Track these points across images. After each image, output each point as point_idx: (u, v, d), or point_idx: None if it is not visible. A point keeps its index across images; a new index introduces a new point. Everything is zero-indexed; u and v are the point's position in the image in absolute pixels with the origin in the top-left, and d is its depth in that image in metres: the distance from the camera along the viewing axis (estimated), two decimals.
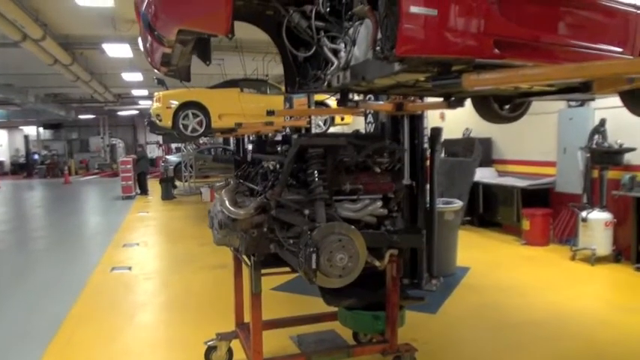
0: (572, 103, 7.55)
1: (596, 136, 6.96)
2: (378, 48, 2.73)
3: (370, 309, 3.54)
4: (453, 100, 4.76)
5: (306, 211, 2.79)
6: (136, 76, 16.75)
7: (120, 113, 32.67)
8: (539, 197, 8.06)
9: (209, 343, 3.89)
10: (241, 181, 3.62)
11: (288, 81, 3.95)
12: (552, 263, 6.89)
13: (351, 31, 3.03)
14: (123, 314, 5.28)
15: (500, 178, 8.98)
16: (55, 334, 4.66)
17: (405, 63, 2.94)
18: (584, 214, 6.81)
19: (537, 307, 5.08)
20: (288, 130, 9.40)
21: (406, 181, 5.59)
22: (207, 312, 5.18)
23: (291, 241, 2.78)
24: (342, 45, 3.10)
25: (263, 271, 3.10)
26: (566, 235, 7.62)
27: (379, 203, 3.09)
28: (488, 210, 8.93)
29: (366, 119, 6.02)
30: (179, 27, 2.71)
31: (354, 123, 12.62)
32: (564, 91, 4.07)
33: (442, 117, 10.09)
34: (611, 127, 6.80)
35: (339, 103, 4.35)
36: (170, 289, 6.37)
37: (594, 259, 6.64)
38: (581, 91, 3.78)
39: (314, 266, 2.53)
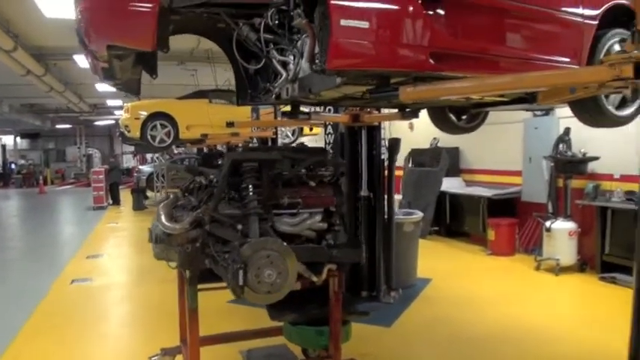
0: (538, 113, 7.60)
1: (561, 145, 7.01)
2: (317, 61, 2.70)
3: (315, 324, 3.47)
4: (408, 112, 4.78)
5: (239, 226, 2.72)
6: (110, 87, 16.49)
7: (96, 123, 32.26)
8: (506, 207, 8.08)
9: (153, 359, 3.81)
10: (186, 194, 3.54)
11: (239, 93, 3.90)
12: (516, 274, 6.89)
13: (299, 43, 2.99)
14: (75, 328, 5.12)
15: (467, 187, 9.00)
16: (6, 348, 4.53)
17: (343, 76, 2.92)
18: (548, 223, 6.84)
19: (495, 320, 5.03)
20: (255, 140, 9.36)
21: (364, 192, 5.61)
22: (164, 325, 5.03)
23: (225, 257, 2.72)
24: (291, 57, 3.06)
25: (200, 286, 3.04)
26: (531, 244, 7.64)
27: (318, 217, 3.02)
28: (455, 220, 8.94)
29: (325, 130, 6.00)
30: (107, 43, 2.65)
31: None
32: (516, 101, 4.09)
33: (411, 127, 10.12)
34: (576, 136, 6.84)
35: (290, 115, 4.33)
36: (130, 301, 6.21)
37: (558, 269, 6.64)
38: (528, 101, 3.81)
39: (241, 282, 2.47)
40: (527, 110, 6.15)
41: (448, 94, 2.78)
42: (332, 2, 2.46)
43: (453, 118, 5.06)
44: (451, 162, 9.34)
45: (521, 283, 6.47)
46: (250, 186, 2.81)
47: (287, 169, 2.98)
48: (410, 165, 10.01)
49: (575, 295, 6.19)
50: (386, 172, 5.57)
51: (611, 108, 3.58)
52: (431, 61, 2.70)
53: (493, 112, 7.71)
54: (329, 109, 5.84)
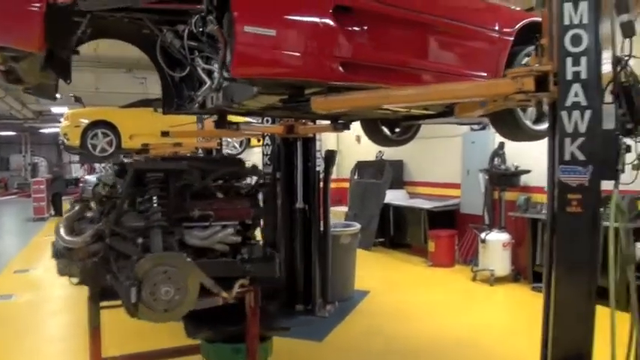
0: (475, 127, 7.79)
1: (496, 159, 7.21)
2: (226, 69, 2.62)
3: (233, 341, 3.34)
4: (340, 123, 4.76)
5: (139, 240, 2.59)
6: None
7: (43, 131, 30.94)
8: (446, 218, 8.22)
9: None
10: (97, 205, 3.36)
11: (165, 101, 3.77)
12: (454, 285, 6.98)
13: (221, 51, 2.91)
14: None
15: (410, 199, 9.10)
16: None
17: (253, 84, 2.85)
18: (483, 235, 6.98)
19: (427, 332, 5.04)
20: (200, 151, 9.16)
21: (299, 204, 5.54)
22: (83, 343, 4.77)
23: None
24: (216, 65, 2.97)
25: (104, 303, 2.88)
26: (470, 255, 7.77)
27: (230, 230, 2.92)
28: (399, 231, 9.01)
29: (263, 142, 5.92)
30: None
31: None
32: (443, 114, 4.14)
33: (358, 140, 10.16)
34: (510, 150, 7.04)
35: (217, 125, 4.23)
36: (52, 318, 5.88)
37: (493, 280, 6.78)
38: (446, 115, 3.85)
39: (133, 300, 2.33)
40: (458, 124, 6.26)
41: (357, 104, 2.76)
42: (236, 9, 2.40)
43: (386, 130, 5.10)
44: (395, 174, 9.44)
45: (458, 294, 6.55)
46: (154, 197, 2.68)
47: (196, 180, 2.86)
48: (356, 177, 10.04)
49: (507, 305, 6.31)
50: (321, 184, 5.54)
51: (528, 122, 3.67)
52: (342, 71, 2.69)
53: (434, 126, 7.87)
54: (267, 120, 5.76)
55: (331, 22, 2.63)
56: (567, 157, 2.31)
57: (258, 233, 3.43)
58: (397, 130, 5.23)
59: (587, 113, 2.28)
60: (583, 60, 2.28)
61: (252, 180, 3.24)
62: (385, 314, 5.65)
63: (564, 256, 2.37)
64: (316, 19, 2.61)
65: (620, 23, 2.32)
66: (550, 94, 2.39)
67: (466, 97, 2.65)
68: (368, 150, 9.84)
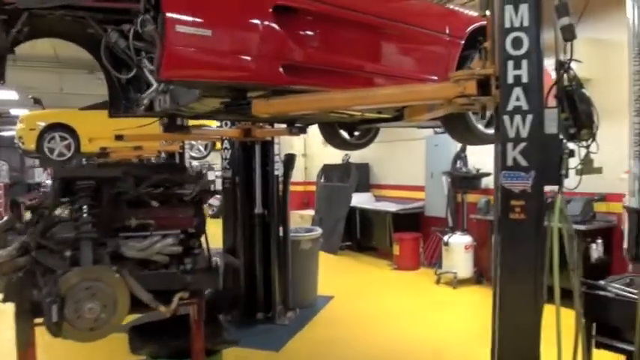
0: (438, 130, 7.79)
1: (458, 162, 7.23)
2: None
3: (179, 356, 3.20)
4: (296, 127, 4.66)
5: (68, 253, 2.43)
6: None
7: (3, 134, 29.92)
8: (411, 221, 8.21)
9: None
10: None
11: (112, 103, 3.62)
12: (417, 288, 6.95)
13: None
14: None
15: (376, 202, 9.07)
16: None
17: (196, 87, 2.73)
18: (446, 237, 6.98)
19: (387, 338, 4.97)
20: (163, 154, 8.93)
21: (258, 209, 5.42)
22: None
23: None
24: None
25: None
26: (434, 258, 7.77)
27: (169, 240, 2.77)
28: (365, 235, 8.96)
29: (222, 145, 5.77)
30: None
31: None
32: (397, 118, 4.08)
33: (325, 143, 10.07)
34: (472, 153, 7.07)
35: (165, 128, 4.08)
36: None
37: (456, 282, 6.78)
38: (400, 118, 3.80)
39: (54, 319, 2.17)
40: (417, 127, 6.25)
41: (299, 108, 2.66)
42: (167, 8, 2.28)
43: (345, 134, 5.03)
44: (362, 177, 9.40)
45: (421, 297, 6.52)
46: (84, 207, 2.52)
47: (131, 187, 2.71)
48: (322, 181, 9.96)
49: (469, 308, 6.29)
50: (281, 188, 5.43)
51: (480, 126, 3.65)
52: (284, 74, 2.59)
53: (399, 129, 7.84)
54: (225, 123, 5.62)
55: (271, 23, 2.53)
56: (510, 162, 2.26)
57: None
58: (356, 133, 5.18)
59: (529, 118, 2.24)
60: (524, 63, 2.24)
61: (196, 186, 3.09)
62: (347, 320, 5.57)
63: (508, 264, 2.32)
64: (255, 20, 2.51)
65: (560, 27, 2.29)
66: (492, 98, 2.35)
67: (408, 101, 2.58)
68: (335, 153, 9.78)
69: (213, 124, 6.64)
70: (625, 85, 5.57)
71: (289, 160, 5.41)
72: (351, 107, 2.83)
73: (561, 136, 2.35)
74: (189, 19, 2.31)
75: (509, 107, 2.25)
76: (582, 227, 5.39)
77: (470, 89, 2.35)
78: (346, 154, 9.65)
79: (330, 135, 4.90)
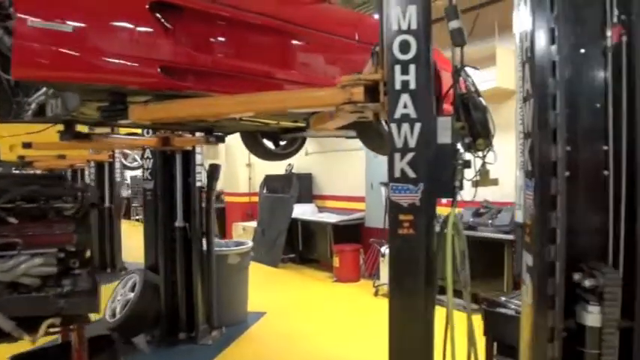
0: None
1: None
2: None
3: None
4: (214, 136, 4.44)
5: None
6: None
7: None
8: (352, 233, 8.07)
9: None
10: None
11: (1, 107, 3.29)
12: (355, 301, 6.79)
13: None
14: None
15: (318, 213, 8.90)
16: None
17: (62, 89, 2.48)
18: (383, 248, 6.87)
19: (317, 355, 4.78)
20: (92, 163, 8.48)
21: (179, 223, 5.14)
22: None
23: None
24: None
25: None
26: (374, 270, 7.65)
27: (37, 260, 2.50)
28: (307, 247, 8.77)
29: (143, 155, 5.47)
30: None
31: None
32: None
33: None
34: None
35: (62, 136, 3.77)
36: None
37: None
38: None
39: None
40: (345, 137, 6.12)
41: (179, 114, 2.44)
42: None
43: (269, 144, 4.83)
44: (305, 188, 9.22)
45: (357, 310, 6.35)
46: None
47: None
48: (265, 191, 9.72)
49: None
50: (204, 200, 5.17)
51: None
52: (162, 76, 2.37)
53: (341, 139, 7.70)
54: (148, 132, 5.32)
55: (147, 20, 2.31)
56: (397, 174, 2.11)
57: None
58: (282, 143, 4.99)
59: (417, 126, 2.10)
60: (412, 68, 2.10)
61: (81, 200, 2.82)
62: (277, 337, 5.34)
63: (397, 280, 2.17)
64: (127, 16, 2.29)
65: (450, 30, 2.17)
66: (381, 105, 2.21)
67: (293, 108, 2.41)
68: (278, 163, 9.56)
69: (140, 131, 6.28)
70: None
71: (213, 171, 5.16)
72: (236, 113, 2.63)
73: (459, 146, 2.25)
74: (44, 11, 2.06)
75: (397, 115, 2.11)
76: (511, 237, 5.36)
77: (357, 95, 2.20)
78: (289, 164, 9.46)
79: (252, 144, 4.70)
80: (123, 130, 5.47)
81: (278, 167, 9.56)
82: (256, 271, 8.47)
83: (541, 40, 1.77)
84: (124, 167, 8.98)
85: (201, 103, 2.32)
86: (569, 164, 1.76)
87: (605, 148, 1.77)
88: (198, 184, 5.05)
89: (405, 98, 2.10)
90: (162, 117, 2.49)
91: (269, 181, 9.68)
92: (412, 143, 2.09)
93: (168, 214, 5.06)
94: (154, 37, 2.35)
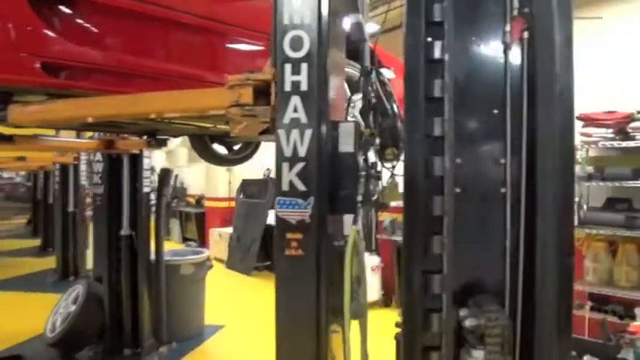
0: None
1: None
2: None
3: None
4: (156, 139, 4.21)
5: None
6: None
7: None
8: None
9: None
10: None
11: None
12: None
13: None
14: None
15: None
16: None
17: None
18: None
19: None
20: (57, 166, 8.25)
21: (125, 231, 4.89)
22: None
23: None
24: None
25: None
26: None
27: None
28: None
29: (94, 157, 5.23)
30: None
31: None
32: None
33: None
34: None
35: None
36: None
37: None
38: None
39: None
40: None
41: (58, 116, 2.20)
42: None
43: (219, 148, 4.60)
44: None
45: None
46: None
47: None
48: (241, 197, 9.48)
49: (375, 333, 5.90)
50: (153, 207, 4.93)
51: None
52: (44, 73, 2.13)
53: None
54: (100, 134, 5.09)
55: (25, 11, 2.08)
56: (285, 186, 1.86)
57: None
58: (235, 147, 4.76)
59: (308, 133, 1.84)
60: (304, 67, 1.85)
61: None
62: (233, 351, 5.09)
63: (285, 308, 1.91)
64: (2, 6, 2.06)
65: (349, 25, 1.93)
66: (272, 108, 1.97)
67: (174, 111, 2.16)
68: (256, 168, 9.33)
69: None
70: None
71: (164, 176, 4.92)
72: (119, 116, 2.38)
73: (358, 155, 2.00)
74: None
75: (286, 120, 1.86)
76: None
77: (245, 97, 1.95)
78: (267, 169, 9.22)
79: (201, 149, 4.45)
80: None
81: (256, 172, 9.32)
82: (227, 280, 8.23)
83: (424, 34, 1.52)
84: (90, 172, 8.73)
85: (77, 104, 2.09)
86: (459, 179, 1.51)
87: (503, 161, 1.52)
88: (146, 189, 4.81)
89: (295, 101, 1.85)
90: (39, 119, 2.25)
91: (246, 185, 9.45)
92: (302, 152, 1.84)
93: (114, 222, 4.82)
94: (34, 30, 2.11)
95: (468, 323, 1.36)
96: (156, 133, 4.18)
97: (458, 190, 1.50)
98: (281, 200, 1.86)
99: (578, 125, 4.93)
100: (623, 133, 4.66)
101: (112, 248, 4.82)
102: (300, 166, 1.84)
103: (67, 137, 5.50)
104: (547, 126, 1.45)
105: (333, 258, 2.01)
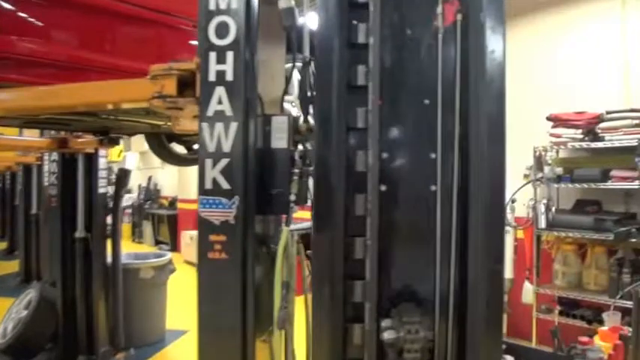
0: None
1: None
2: None
3: None
4: (106, 138, 4.02)
5: None
6: None
7: None
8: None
9: None
10: None
11: None
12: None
13: None
14: None
15: None
16: None
17: None
18: None
19: None
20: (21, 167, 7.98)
21: (79, 233, 4.68)
22: None
23: None
24: None
25: None
26: None
27: None
28: None
29: (50, 158, 5.01)
30: None
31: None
32: None
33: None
34: None
35: None
36: None
37: None
38: None
39: None
40: None
41: None
42: None
43: (178, 148, 4.42)
44: None
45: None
46: None
47: None
48: None
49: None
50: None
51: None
52: None
53: None
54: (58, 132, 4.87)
55: None
56: (208, 184, 1.71)
57: None
58: (195, 147, 4.58)
59: (233, 127, 1.70)
60: (229, 56, 1.71)
61: None
62: (194, 356, 4.88)
63: (208, 317, 1.76)
64: None
65: (280, 9, 1.78)
66: (196, 100, 1.81)
67: (92, 103, 2.00)
68: None
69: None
70: None
71: (121, 177, 4.72)
72: (39, 108, 2.21)
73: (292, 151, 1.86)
74: None
75: (210, 112, 1.71)
76: None
77: (168, 88, 1.80)
78: None
79: (157, 148, 4.27)
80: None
81: None
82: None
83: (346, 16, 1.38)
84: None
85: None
86: (385, 176, 1.37)
87: (433, 156, 1.39)
88: (102, 190, 4.60)
89: (219, 92, 1.71)
90: None
91: None
92: (227, 147, 1.70)
93: (68, 224, 4.60)
94: None
95: (387, 336, 1.22)
96: (108, 131, 4.00)
97: (383, 187, 1.36)
98: (204, 199, 1.71)
99: (547, 126, 4.85)
100: (592, 133, 4.59)
101: (66, 251, 4.61)
102: (224, 162, 1.70)
103: (30, 137, 5.31)
104: (476, 118, 1.32)
105: (262, 262, 1.87)
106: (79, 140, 4.23)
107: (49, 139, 4.24)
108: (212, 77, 1.71)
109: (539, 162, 4.89)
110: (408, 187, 1.38)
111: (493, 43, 1.33)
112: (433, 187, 1.37)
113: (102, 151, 4.63)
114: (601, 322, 4.26)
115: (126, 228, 11.57)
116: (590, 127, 4.60)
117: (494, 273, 1.30)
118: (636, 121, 4.35)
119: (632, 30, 4.77)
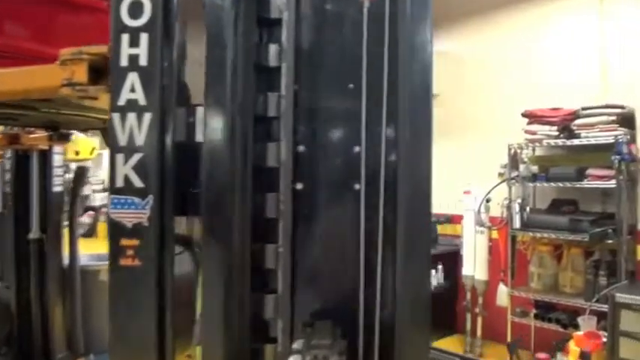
0: None
1: None
2: None
3: None
4: (57, 134, 3.81)
5: None
6: None
7: None
8: None
9: None
10: None
11: None
12: None
13: None
14: None
15: None
16: None
17: None
18: None
19: None
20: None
21: (34, 234, 4.46)
22: None
23: None
24: None
25: None
26: None
27: None
28: None
29: (3, 155, 4.78)
30: None
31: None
32: None
33: None
34: None
35: None
36: None
37: None
38: None
39: None
40: None
41: None
42: None
43: None
44: None
45: None
46: None
47: None
48: None
49: None
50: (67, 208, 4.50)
51: None
52: None
53: None
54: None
55: None
56: (120, 182, 1.52)
57: None
58: None
59: (147, 117, 1.51)
60: (144, 38, 1.52)
61: None
62: None
63: (118, 331, 1.57)
64: None
65: None
66: (107, 87, 1.62)
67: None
68: None
69: None
70: (468, 100, 5.16)
71: (79, 174, 4.50)
72: None
73: None
74: None
75: (121, 101, 1.52)
76: None
77: (79, 75, 1.61)
78: None
79: None
80: None
81: None
82: None
83: None
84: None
85: None
86: (301, 172, 1.19)
87: (357, 149, 1.21)
88: (57, 189, 4.38)
89: (132, 78, 1.52)
90: None
91: None
92: (140, 141, 1.50)
93: (22, 223, 4.38)
94: None
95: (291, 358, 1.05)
96: (57, 127, 3.80)
97: (299, 186, 1.18)
98: (115, 199, 1.52)
99: (523, 122, 4.72)
100: (567, 130, 4.46)
101: (20, 252, 4.38)
102: (136, 157, 1.51)
103: None
104: (403, 108, 1.15)
105: (185, 269, 1.69)
106: (31, 136, 4.01)
107: (0, 135, 4.01)
108: (124, 62, 1.52)
109: (514, 160, 4.76)
110: (327, 185, 1.21)
111: (422, 13, 1.16)
112: (356, 186, 1.20)
113: (57, 148, 4.40)
114: (576, 327, 4.14)
115: (102, 227, 11.33)
116: (566, 124, 4.48)
117: (424, 279, 1.13)
118: (612, 118, 4.23)
119: (610, 24, 4.66)
